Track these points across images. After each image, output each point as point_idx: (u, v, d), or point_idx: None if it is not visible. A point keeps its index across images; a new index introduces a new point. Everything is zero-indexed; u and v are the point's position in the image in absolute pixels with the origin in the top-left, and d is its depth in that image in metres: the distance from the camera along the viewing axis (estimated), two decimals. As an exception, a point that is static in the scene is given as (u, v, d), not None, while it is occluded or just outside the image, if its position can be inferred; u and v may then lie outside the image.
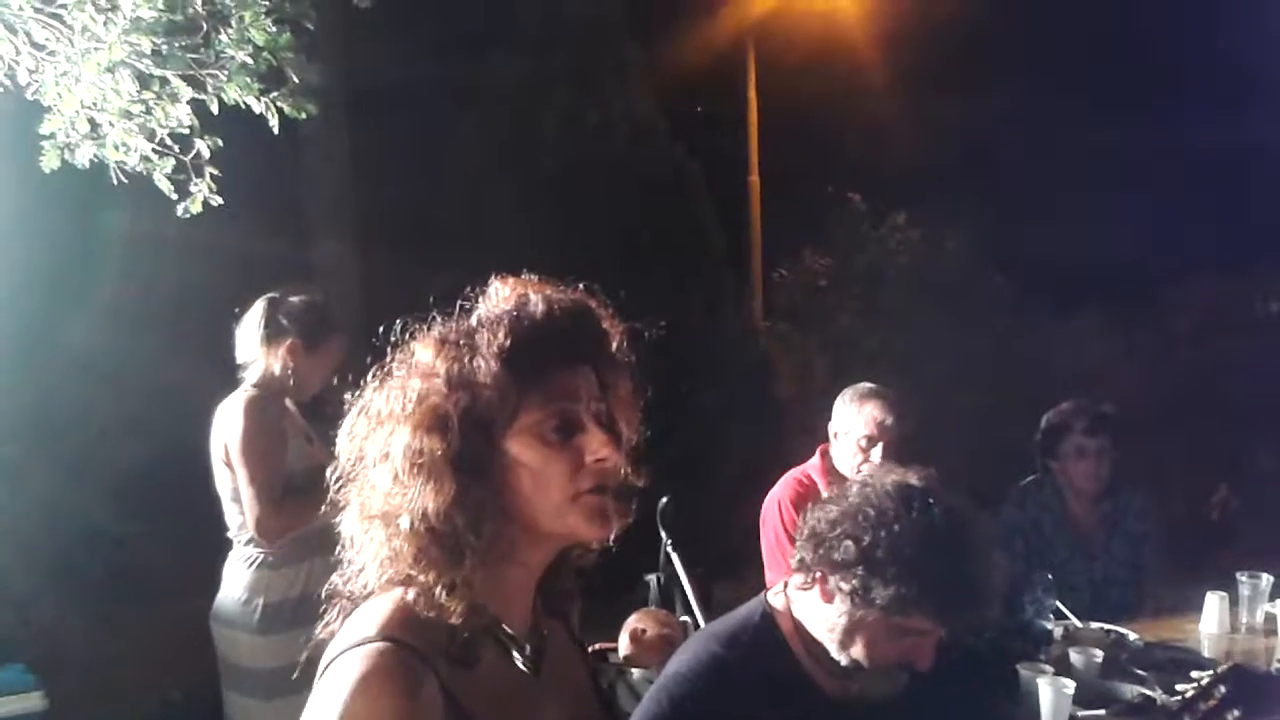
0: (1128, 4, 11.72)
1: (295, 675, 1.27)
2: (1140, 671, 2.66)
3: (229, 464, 2.92)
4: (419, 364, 1.14)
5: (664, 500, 3.13)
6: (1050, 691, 2.35)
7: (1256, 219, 9.96)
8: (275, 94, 3.03)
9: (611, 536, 1.19)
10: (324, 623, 1.15)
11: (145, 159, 3.00)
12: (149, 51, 2.82)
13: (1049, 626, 2.85)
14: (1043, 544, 3.49)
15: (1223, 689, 1.70)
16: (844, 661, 1.78)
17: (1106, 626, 3.00)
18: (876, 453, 3.11)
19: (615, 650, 2.83)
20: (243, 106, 3.02)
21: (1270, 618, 3.06)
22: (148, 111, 2.94)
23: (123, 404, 5.35)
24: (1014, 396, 7.40)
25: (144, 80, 2.90)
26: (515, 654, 1.17)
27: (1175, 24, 11.01)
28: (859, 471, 3.00)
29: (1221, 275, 10.16)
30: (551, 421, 1.13)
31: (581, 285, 1.23)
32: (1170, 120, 11.05)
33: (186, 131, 3.00)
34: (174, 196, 3.05)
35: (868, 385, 3.26)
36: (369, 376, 1.17)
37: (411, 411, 1.11)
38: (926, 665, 1.75)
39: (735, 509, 4.57)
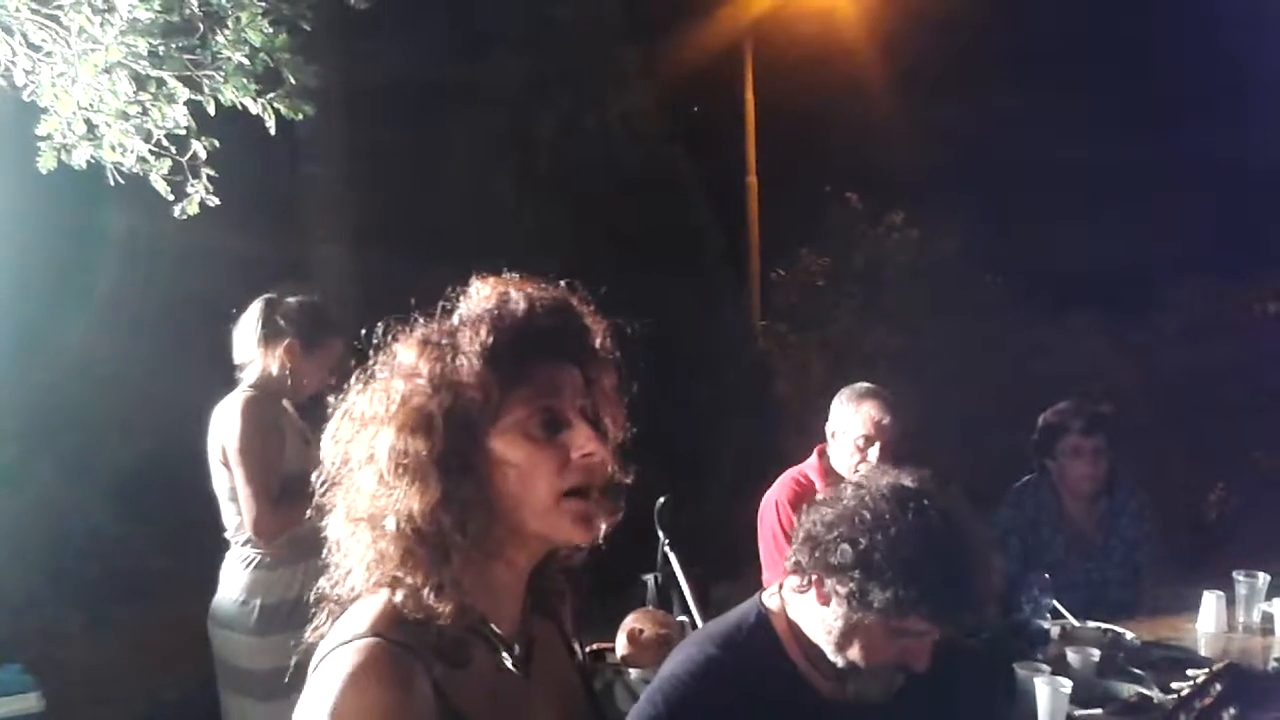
0: (1125, 5, 11.72)
1: (280, 679, 1.26)
2: (1137, 671, 2.67)
3: (226, 464, 2.92)
4: (401, 365, 1.14)
5: (661, 500, 3.12)
6: (1047, 691, 2.35)
7: (1253, 221, 9.98)
8: (272, 95, 3.03)
9: (597, 540, 1.18)
10: (313, 626, 1.15)
11: (142, 160, 3.01)
12: (145, 53, 2.82)
13: (1046, 626, 2.86)
14: (1039, 543, 3.49)
15: (1218, 687, 1.70)
16: (840, 663, 1.78)
17: (1103, 626, 3.01)
18: (874, 452, 3.12)
19: (613, 650, 2.82)
20: (239, 107, 3.02)
21: (1267, 617, 3.07)
22: (144, 112, 2.94)
23: (120, 404, 5.34)
24: (1011, 396, 7.41)
25: (141, 81, 2.91)
26: (504, 654, 1.17)
27: (1172, 25, 11.02)
28: (856, 471, 3.01)
29: (1218, 276, 10.18)
30: (536, 418, 1.13)
31: (564, 282, 1.23)
32: (1167, 121, 11.07)
33: (183, 132, 3.00)
34: (171, 197, 3.06)
35: (865, 385, 3.26)
36: (352, 379, 1.17)
37: (395, 413, 1.10)
38: (923, 666, 1.75)
39: (733, 508, 4.58)
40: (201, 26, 2.88)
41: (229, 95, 2.96)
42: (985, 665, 2.58)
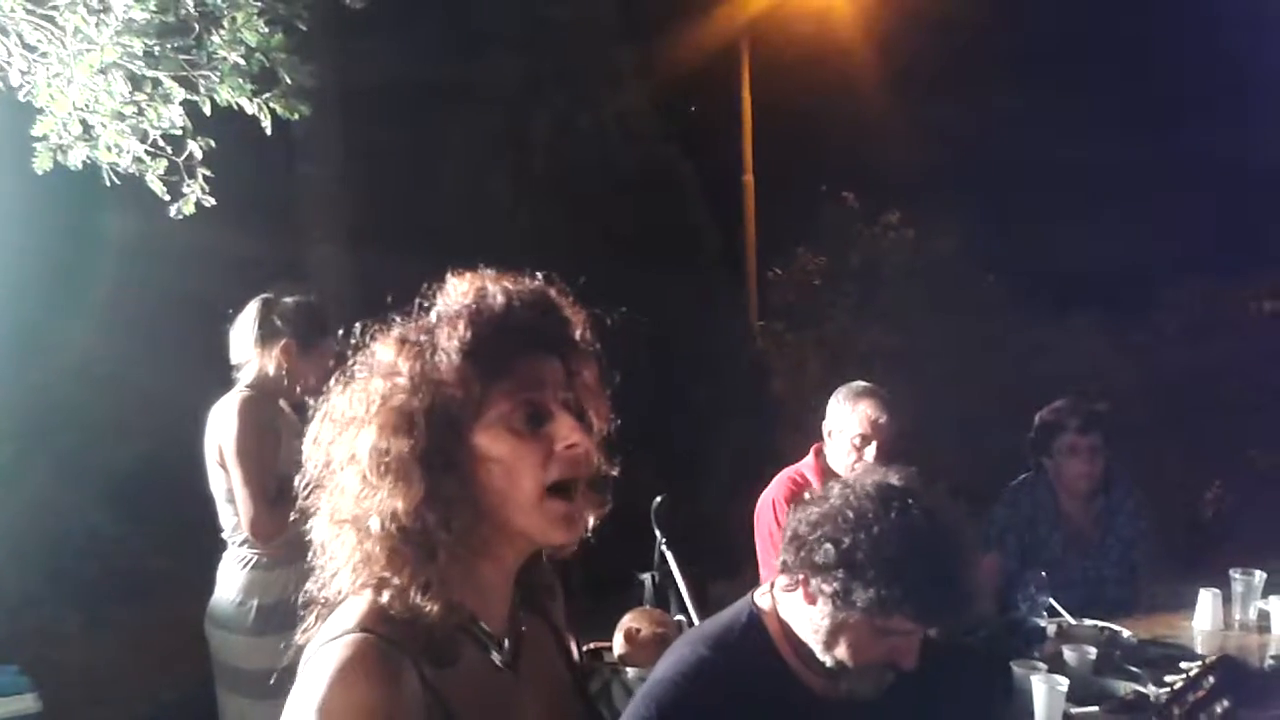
0: (1125, 5, 11.73)
1: (274, 680, 1.26)
2: (1134, 668, 2.67)
3: (223, 465, 2.92)
4: (380, 364, 1.13)
5: (658, 499, 3.13)
6: (1044, 689, 2.35)
7: (1252, 221, 9.99)
8: (268, 95, 3.03)
9: (580, 537, 1.17)
10: (302, 629, 1.15)
11: (138, 160, 3.01)
12: (141, 53, 2.82)
13: (1042, 624, 2.86)
14: (1036, 542, 3.49)
15: (1211, 680, 1.71)
16: (829, 662, 1.78)
17: (1100, 624, 3.01)
18: (870, 451, 3.12)
19: (610, 649, 2.83)
20: (235, 107, 3.02)
21: (1263, 614, 3.07)
22: (140, 113, 2.94)
23: (117, 405, 5.33)
24: (1008, 394, 7.42)
25: (136, 82, 2.90)
26: (492, 651, 1.16)
27: (1171, 25, 11.03)
28: (853, 470, 3.02)
29: (1217, 276, 10.20)
30: (519, 412, 1.12)
31: (541, 274, 1.22)
32: (1167, 121, 11.09)
33: (179, 133, 3.00)
34: (167, 198, 3.06)
35: (862, 384, 3.26)
36: (331, 381, 1.16)
37: (376, 413, 1.10)
38: (911, 665, 1.75)
39: (730, 507, 4.57)
40: (197, 26, 2.88)
41: (224, 95, 2.96)
42: (982, 663, 2.58)
